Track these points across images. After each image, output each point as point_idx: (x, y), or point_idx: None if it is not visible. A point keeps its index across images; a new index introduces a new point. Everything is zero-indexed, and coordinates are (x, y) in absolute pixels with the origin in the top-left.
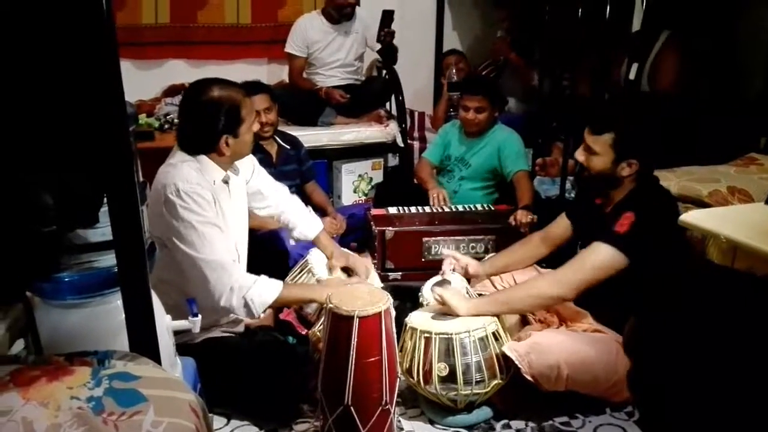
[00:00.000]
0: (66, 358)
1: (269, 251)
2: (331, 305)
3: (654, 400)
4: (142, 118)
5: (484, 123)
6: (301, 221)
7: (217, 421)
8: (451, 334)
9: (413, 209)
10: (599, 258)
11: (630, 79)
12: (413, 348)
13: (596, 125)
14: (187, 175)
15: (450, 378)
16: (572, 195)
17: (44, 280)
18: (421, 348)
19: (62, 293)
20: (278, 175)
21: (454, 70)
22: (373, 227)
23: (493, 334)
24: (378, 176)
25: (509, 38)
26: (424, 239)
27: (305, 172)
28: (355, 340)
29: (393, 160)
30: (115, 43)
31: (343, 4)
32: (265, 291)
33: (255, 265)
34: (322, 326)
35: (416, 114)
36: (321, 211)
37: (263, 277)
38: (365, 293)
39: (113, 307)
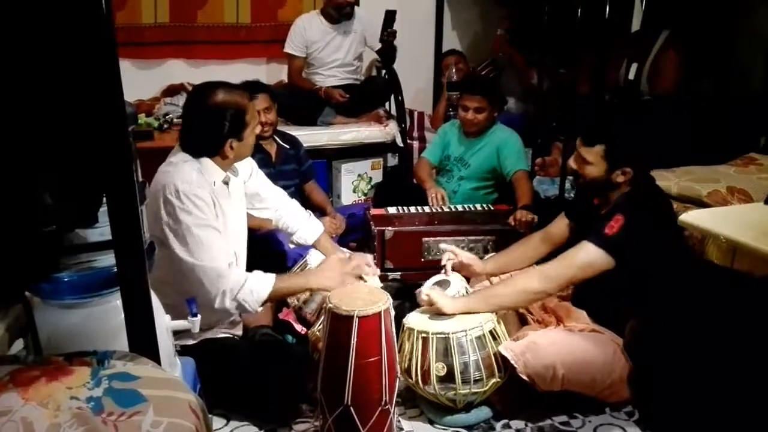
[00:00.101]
0: (65, 358)
1: (268, 252)
2: (330, 305)
3: (655, 400)
4: (142, 118)
5: (484, 123)
6: (301, 225)
7: (217, 422)
8: (448, 334)
9: (413, 209)
10: (586, 258)
11: (629, 79)
12: (411, 348)
13: (587, 137)
14: (187, 176)
15: (448, 378)
16: (571, 195)
17: (44, 280)
18: (418, 348)
19: (61, 293)
20: (277, 175)
21: (453, 70)
22: (373, 227)
23: (491, 332)
24: (377, 176)
25: (509, 36)
26: (424, 239)
27: (305, 172)
28: (355, 339)
29: (392, 160)
30: (115, 43)
31: (342, 3)
32: (257, 287)
33: (253, 266)
34: (321, 326)
35: (416, 114)
36: (320, 211)
37: (255, 273)
38: (365, 293)
39: (112, 307)
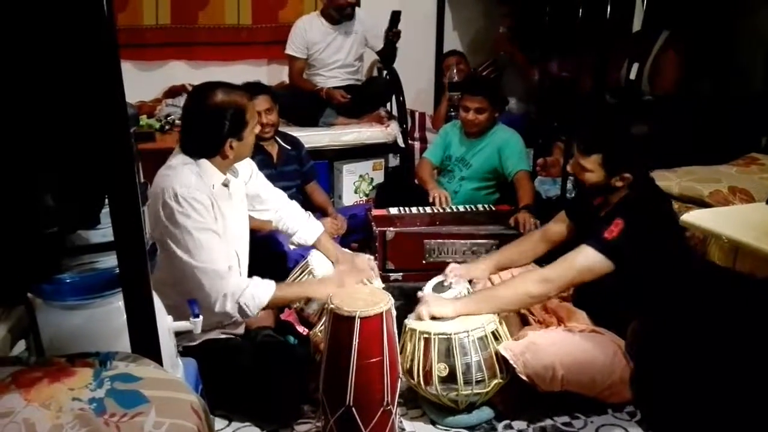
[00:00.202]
0: (67, 360)
1: (269, 253)
2: (332, 306)
3: (657, 401)
4: (143, 119)
5: (485, 123)
6: (301, 225)
7: (219, 423)
8: (450, 335)
9: (414, 210)
10: (585, 262)
11: (630, 79)
12: (413, 349)
13: (584, 146)
14: (186, 180)
15: (450, 378)
16: (573, 195)
17: (46, 282)
18: (420, 349)
19: (64, 294)
20: (279, 176)
21: (455, 71)
22: (374, 228)
23: (493, 333)
24: (379, 177)
25: (510, 33)
26: (425, 240)
27: (306, 173)
28: (357, 340)
29: (394, 161)
30: (116, 44)
31: (343, 4)
32: (258, 293)
33: (254, 267)
34: (323, 327)
35: (417, 114)
36: (322, 212)
37: (256, 279)
38: (366, 294)
39: (115, 308)
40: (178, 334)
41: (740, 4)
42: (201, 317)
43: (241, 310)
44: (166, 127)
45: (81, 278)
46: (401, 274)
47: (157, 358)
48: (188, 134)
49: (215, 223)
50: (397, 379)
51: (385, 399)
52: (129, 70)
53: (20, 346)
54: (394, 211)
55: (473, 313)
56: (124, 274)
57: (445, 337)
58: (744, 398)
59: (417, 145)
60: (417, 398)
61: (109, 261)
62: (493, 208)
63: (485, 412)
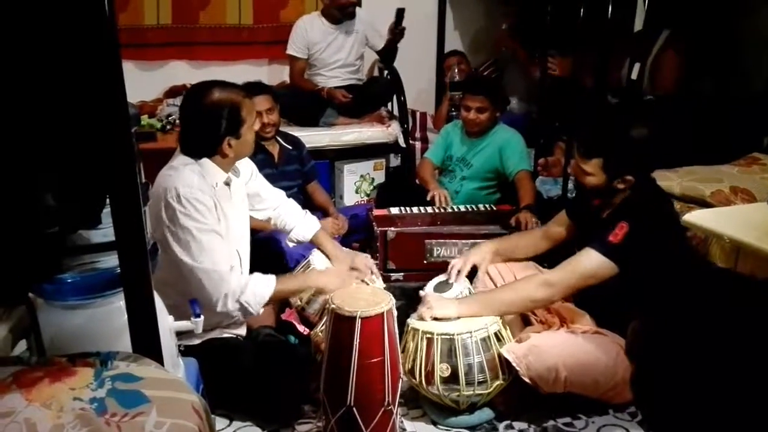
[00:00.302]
0: (69, 359)
1: (269, 253)
2: (333, 306)
3: (657, 402)
4: (144, 119)
5: (486, 123)
6: (298, 222)
7: (220, 422)
8: (453, 335)
9: (415, 210)
10: (589, 265)
11: (632, 78)
12: (415, 349)
13: (584, 150)
14: (188, 180)
15: (452, 379)
16: (574, 195)
17: (47, 282)
18: (423, 349)
19: (65, 294)
20: (280, 176)
21: (456, 71)
22: (375, 228)
23: (496, 334)
24: (380, 177)
25: (512, 30)
26: (426, 240)
27: (307, 173)
28: (358, 340)
29: (395, 161)
30: (117, 44)
31: (345, 3)
32: (259, 289)
33: (255, 267)
34: (324, 327)
35: (418, 114)
36: (323, 212)
37: (256, 275)
38: (367, 294)
39: (116, 308)
40: (179, 334)
41: (742, 3)
42: (202, 317)
43: (243, 309)
44: (168, 126)
45: (82, 278)
46: (402, 274)
47: (158, 357)
48: (186, 134)
49: (218, 224)
50: (398, 379)
51: (386, 399)
52: (130, 70)
53: (21, 346)
54: (395, 211)
55: (476, 315)
56: (125, 273)
57: (448, 337)
58: (744, 399)
59: (418, 145)
60: (418, 398)
61: (110, 261)
62: (494, 208)
63: (486, 413)
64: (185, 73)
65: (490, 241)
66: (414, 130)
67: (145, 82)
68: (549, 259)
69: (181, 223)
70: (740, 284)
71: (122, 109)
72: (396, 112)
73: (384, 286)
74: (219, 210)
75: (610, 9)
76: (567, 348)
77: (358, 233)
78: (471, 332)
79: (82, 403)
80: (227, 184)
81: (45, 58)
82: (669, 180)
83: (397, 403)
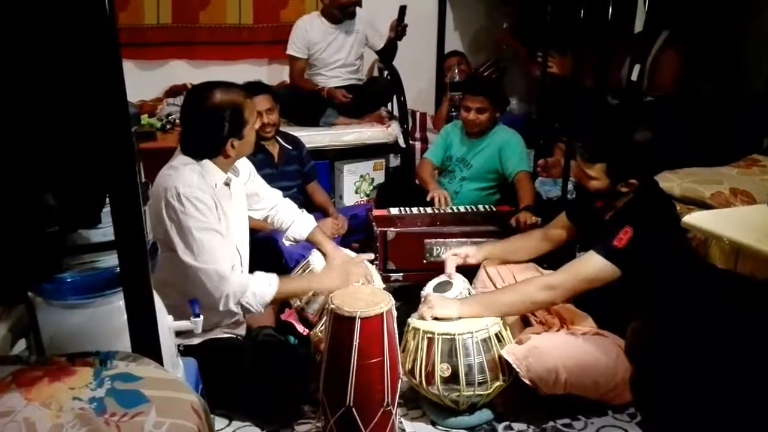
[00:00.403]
0: (68, 359)
1: (269, 253)
2: (332, 306)
3: (657, 402)
4: (144, 119)
5: (485, 123)
6: (294, 221)
7: (219, 422)
8: (454, 335)
9: (415, 210)
10: (592, 269)
11: (632, 80)
12: (416, 348)
13: (588, 155)
14: (189, 179)
15: (452, 379)
16: (574, 196)
17: (46, 281)
18: (423, 348)
19: (64, 294)
20: (280, 176)
21: (456, 71)
22: (375, 228)
23: (497, 335)
24: (380, 177)
25: (513, 28)
26: (426, 240)
27: (307, 173)
28: (357, 341)
29: (395, 161)
30: (117, 44)
31: (346, 3)
32: (261, 290)
33: (254, 267)
34: (323, 327)
35: (418, 114)
36: (323, 212)
37: (258, 275)
38: (367, 294)
39: (115, 307)
40: (179, 334)
41: (743, 4)
42: (201, 317)
43: (244, 308)
44: (167, 126)
45: (82, 277)
46: (402, 274)
47: (157, 357)
48: (188, 136)
49: (218, 223)
50: (398, 379)
51: (386, 399)
52: (130, 70)
53: (20, 345)
54: (394, 211)
55: (477, 315)
56: (124, 273)
57: (449, 337)
58: (743, 399)
59: (418, 145)
60: (417, 398)
61: (110, 260)
62: (494, 209)
63: (485, 414)
64: (185, 72)
65: (489, 243)
66: (414, 130)
67: (145, 82)
68: (549, 260)
69: (181, 222)
70: (740, 284)
71: (122, 108)
72: (396, 112)
73: (383, 286)
74: (219, 209)
75: (610, 10)
76: (567, 349)
77: (358, 233)
78: (472, 333)
79: (81, 402)
80: (227, 184)
81: (45, 57)
82: (669, 181)
83: (396, 404)
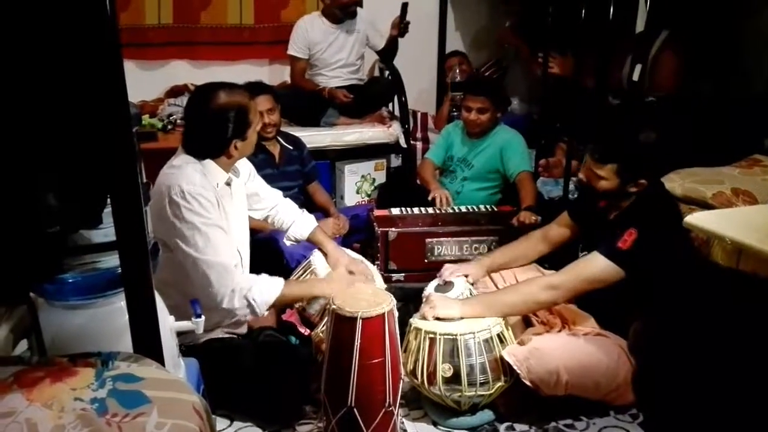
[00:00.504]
0: (69, 360)
1: (269, 253)
2: (334, 306)
3: (659, 402)
4: (145, 119)
5: (487, 124)
6: (295, 221)
7: (221, 423)
8: (456, 335)
9: (416, 210)
10: (596, 270)
11: (634, 80)
12: (417, 348)
13: (600, 155)
14: (192, 177)
15: (454, 379)
16: (575, 196)
17: (48, 281)
18: (425, 348)
19: (66, 294)
20: (281, 176)
21: (457, 71)
22: (376, 228)
23: (498, 335)
24: (381, 177)
25: (515, 26)
26: (427, 240)
27: (308, 173)
28: (359, 341)
29: (396, 161)
30: (119, 44)
31: (348, 2)
32: (266, 290)
33: (255, 268)
34: (325, 327)
35: (419, 115)
36: (324, 212)
37: (264, 276)
38: (368, 294)
39: (117, 308)
40: (180, 334)
41: (744, 4)
42: (203, 317)
43: (249, 306)
44: (169, 126)
45: (83, 278)
46: (403, 274)
47: (159, 358)
48: (192, 136)
49: (221, 220)
50: (399, 379)
51: (387, 400)
52: (131, 70)
53: (22, 346)
54: (396, 211)
55: (479, 316)
56: (126, 273)
57: (451, 337)
58: (745, 399)
59: (419, 145)
60: (419, 399)
61: (111, 261)
62: (495, 209)
63: (487, 414)
64: (186, 72)
65: (485, 258)
66: (415, 130)
67: (146, 82)
68: (551, 260)
69: (186, 219)
70: (743, 283)
71: (123, 108)
72: (397, 112)
73: (385, 286)
74: (221, 209)
75: (611, 10)
76: (568, 351)
77: (359, 234)
78: (474, 333)
79: (83, 403)
80: (228, 184)
81: (46, 57)
82: (670, 181)
83: (398, 404)
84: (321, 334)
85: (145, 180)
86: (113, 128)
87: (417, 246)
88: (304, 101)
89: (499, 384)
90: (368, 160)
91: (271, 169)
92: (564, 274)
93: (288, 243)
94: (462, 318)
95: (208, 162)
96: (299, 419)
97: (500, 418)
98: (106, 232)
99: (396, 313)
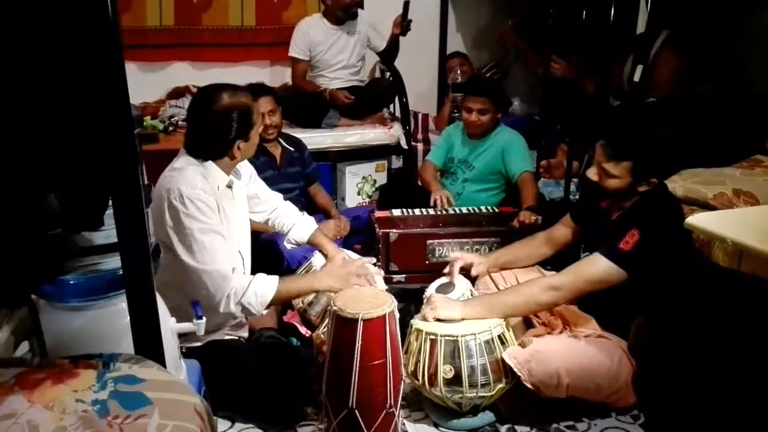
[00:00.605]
0: (71, 361)
1: (270, 255)
2: (335, 308)
3: (660, 402)
4: (147, 121)
5: (487, 124)
6: (295, 223)
7: (222, 424)
8: (457, 337)
9: (417, 211)
10: (597, 271)
11: (635, 81)
12: (419, 350)
13: (615, 152)
14: (192, 180)
15: (455, 381)
16: (576, 197)
17: (49, 283)
18: (426, 350)
19: (67, 296)
20: (282, 177)
21: (458, 72)
22: (377, 229)
23: (499, 337)
24: (382, 178)
25: (516, 27)
26: (429, 241)
27: (309, 174)
28: (360, 342)
29: (397, 162)
30: (120, 46)
31: (349, 3)
32: (261, 290)
33: (256, 269)
34: (326, 328)
35: (420, 116)
36: (325, 214)
37: (259, 276)
38: (369, 296)
39: (118, 309)
40: (182, 336)
41: (744, 4)
42: (204, 319)
43: (245, 309)
44: (170, 128)
45: (84, 280)
46: (404, 275)
47: (160, 359)
48: (195, 137)
49: (220, 225)
50: (400, 381)
51: (388, 401)
52: (133, 71)
53: (23, 348)
54: (397, 212)
55: (480, 317)
56: (127, 275)
57: (452, 338)
58: (746, 399)
59: (420, 146)
60: (420, 400)
61: (113, 262)
62: (496, 210)
63: (488, 416)
64: (188, 74)
65: (490, 255)
66: (416, 131)
67: (147, 84)
68: (552, 261)
69: (183, 224)
70: (744, 283)
71: (125, 110)
72: (398, 113)
73: (386, 287)
74: (221, 212)
75: (612, 11)
76: (569, 353)
77: (360, 235)
78: (475, 334)
79: (84, 404)
80: (229, 186)
81: (48, 59)
82: (672, 182)
83: (399, 405)
84: (322, 336)
85: (146, 182)
86: (115, 130)
87: (418, 247)
88: (306, 103)
89: (501, 385)
90: (369, 161)
91: (272, 171)
92: (565, 275)
93: (289, 246)
94: (463, 319)
95: (210, 164)
96: (300, 420)
97: (501, 419)
98: (107, 233)
99: (397, 315)
